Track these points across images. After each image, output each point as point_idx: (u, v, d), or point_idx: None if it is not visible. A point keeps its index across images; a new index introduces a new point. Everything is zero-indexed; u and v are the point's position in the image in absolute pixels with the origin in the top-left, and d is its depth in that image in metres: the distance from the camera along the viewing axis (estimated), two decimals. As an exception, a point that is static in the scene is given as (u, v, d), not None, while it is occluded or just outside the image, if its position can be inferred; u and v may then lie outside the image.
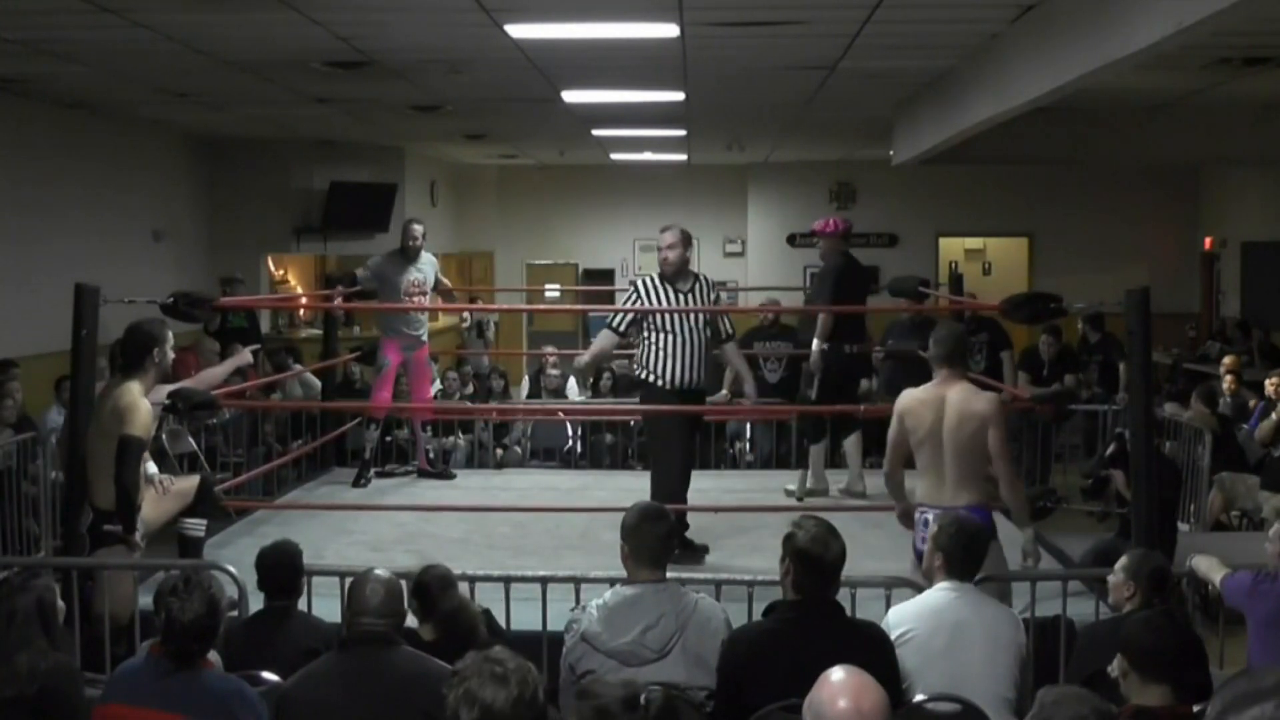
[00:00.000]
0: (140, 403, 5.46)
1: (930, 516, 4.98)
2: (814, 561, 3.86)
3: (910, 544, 5.22)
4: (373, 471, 8.67)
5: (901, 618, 4.11)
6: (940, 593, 4.15)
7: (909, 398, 5.25)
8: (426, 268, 8.44)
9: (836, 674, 2.62)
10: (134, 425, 5.41)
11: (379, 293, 8.33)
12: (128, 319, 8.50)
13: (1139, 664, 3.43)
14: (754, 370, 10.00)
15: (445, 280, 8.79)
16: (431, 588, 4.32)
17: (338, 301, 8.90)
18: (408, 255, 8.38)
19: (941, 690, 3.88)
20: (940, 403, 5.10)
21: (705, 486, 7.38)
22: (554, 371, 11.25)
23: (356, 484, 8.51)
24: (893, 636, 4.00)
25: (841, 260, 8.02)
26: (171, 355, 5.76)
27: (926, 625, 4.02)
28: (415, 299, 8.31)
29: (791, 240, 17.60)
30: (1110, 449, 7.73)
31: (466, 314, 9.66)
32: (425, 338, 8.70)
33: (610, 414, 9.93)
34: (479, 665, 2.62)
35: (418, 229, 8.47)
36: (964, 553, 4.21)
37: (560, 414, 10.36)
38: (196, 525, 5.99)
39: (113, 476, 5.38)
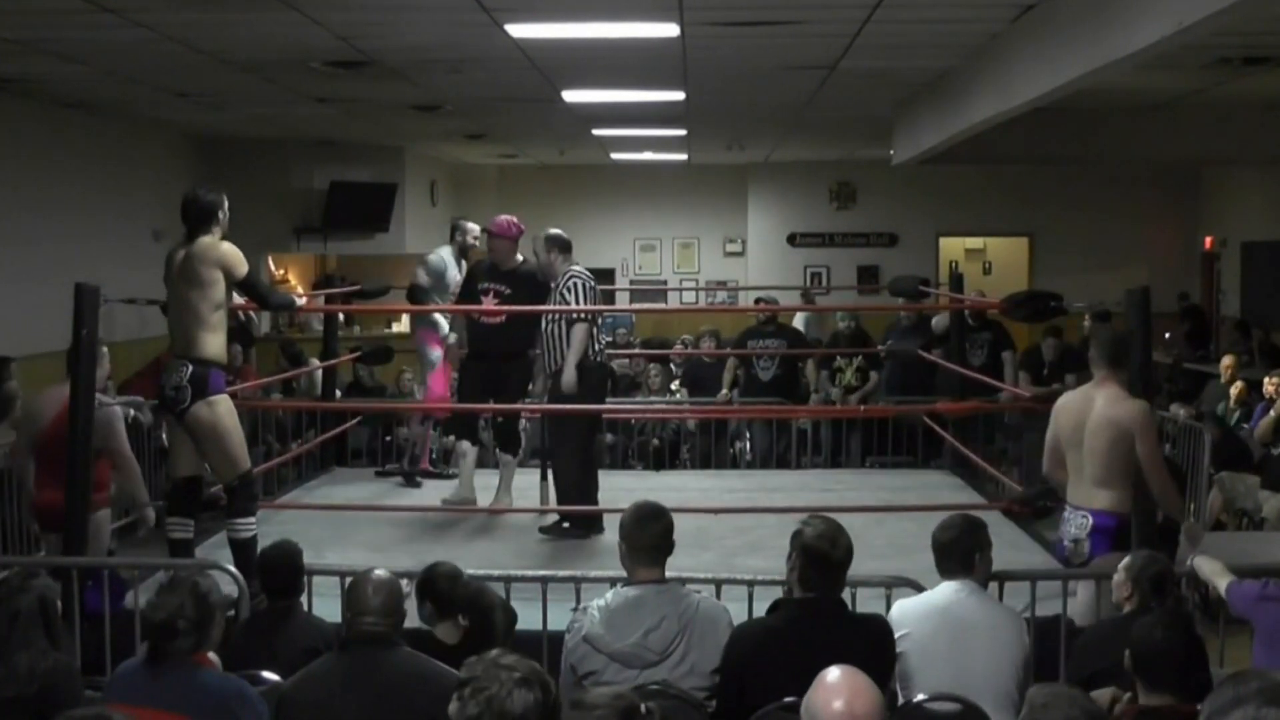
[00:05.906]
0: (229, 245, 5.67)
1: (1070, 513, 5.33)
2: (821, 558, 3.86)
3: (928, 539, 5.11)
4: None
5: (905, 617, 4.09)
6: (943, 591, 4.14)
7: (1063, 398, 5.54)
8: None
9: (832, 674, 2.62)
10: (241, 264, 5.67)
11: (430, 290, 8.23)
12: (128, 319, 8.51)
13: (1144, 670, 3.43)
14: (748, 368, 10.08)
15: None
16: (439, 583, 4.32)
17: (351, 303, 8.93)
18: (462, 254, 8.37)
19: (945, 689, 3.88)
20: (1089, 404, 5.29)
21: (705, 486, 7.39)
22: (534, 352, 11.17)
23: (409, 484, 8.53)
24: (895, 635, 3.99)
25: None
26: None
27: (930, 624, 4.02)
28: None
29: (792, 240, 17.60)
30: None
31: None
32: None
33: (610, 414, 9.91)
34: (494, 671, 2.52)
35: (475, 227, 8.43)
36: (964, 550, 4.20)
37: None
38: (246, 525, 5.88)
39: (212, 326, 5.62)
